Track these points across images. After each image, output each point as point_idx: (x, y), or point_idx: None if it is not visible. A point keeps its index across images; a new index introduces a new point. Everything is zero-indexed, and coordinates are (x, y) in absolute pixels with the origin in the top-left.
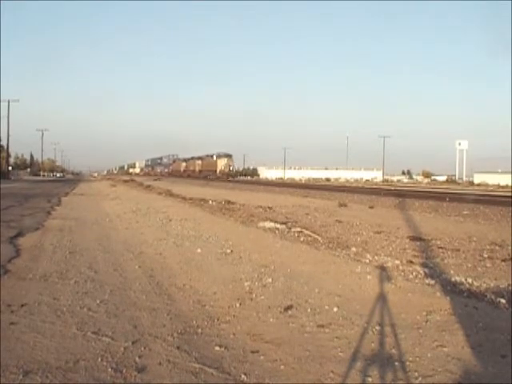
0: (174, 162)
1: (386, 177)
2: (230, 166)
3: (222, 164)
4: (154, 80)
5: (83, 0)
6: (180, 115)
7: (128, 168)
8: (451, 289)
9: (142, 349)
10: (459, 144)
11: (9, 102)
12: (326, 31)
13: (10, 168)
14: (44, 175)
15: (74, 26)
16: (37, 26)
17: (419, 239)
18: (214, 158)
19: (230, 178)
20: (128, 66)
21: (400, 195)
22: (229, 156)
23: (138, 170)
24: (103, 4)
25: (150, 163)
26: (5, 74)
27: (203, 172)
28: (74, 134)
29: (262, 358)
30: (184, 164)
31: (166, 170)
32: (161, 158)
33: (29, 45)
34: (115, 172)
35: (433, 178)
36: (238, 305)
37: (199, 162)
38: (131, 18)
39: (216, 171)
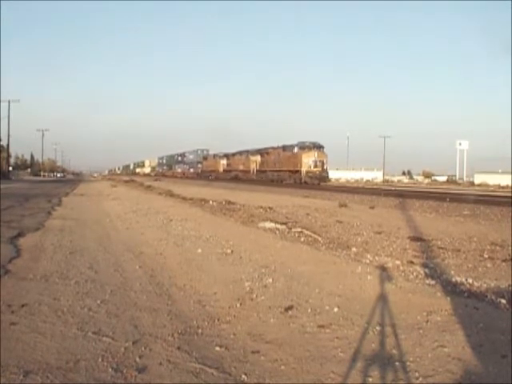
0: (205, 158)
1: (386, 177)
2: (323, 163)
3: (309, 160)
4: (154, 79)
5: (83, 0)
6: (178, 115)
7: (135, 167)
8: (452, 289)
9: (143, 349)
10: (460, 144)
11: (9, 102)
12: (327, 30)
13: (10, 168)
14: (44, 175)
15: (74, 26)
16: (37, 26)
17: (420, 239)
18: (296, 150)
19: (322, 183)
20: (128, 65)
21: (400, 195)
22: (319, 148)
23: (148, 170)
24: (103, 4)
25: (164, 161)
26: (5, 73)
27: (267, 173)
28: (75, 133)
29: (262, 358)
30: (224, 162)
31: (192, 170)
32: (182, 155)
33: (29, 45)
34: (118, 172)
35: (433, 178)
36: (238, 305)
37: (257, 157)
38: (131, 17)
39: (300, 172)
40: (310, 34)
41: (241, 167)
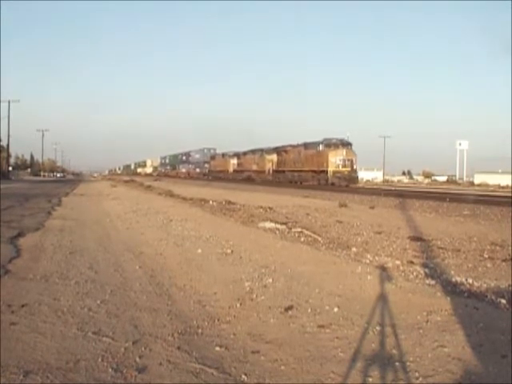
0: (212, 158)
1: (386, 177)
2: (352, 162)
3: (337, 159)
4: (154, 79)
5: (83, 0)
6: (178, 115)
7: (136, 167)
8: (452, 289)
9: (143, 349)
10: (459, 144)
11: (9, 102)
12: (327, 30)
13: (10, 168)
14: (44, 175)
15: (74, 26)
16: (37, 26)
17: (420, 239)
18: (321, 147)
19: (352, 185)
20: (128, 65)
21: (400, 195)
22: (347, 145)
23: (149, 170)
24: (103, 4)
25: (167, 161)
26: (5, 73)
27: (286, 173)
28: (75, 133)
29: (262, 358)
30: (235, 161)
31: (198, 170)
32: (187, 154)
33: (29, 45)
34: (119, 172)
35: (433, 178)
36: (238, 305)
37: (273, 156)
38: (131, 17)
39: (326, 172)
40: (310, 33)
41: (254, 167)
